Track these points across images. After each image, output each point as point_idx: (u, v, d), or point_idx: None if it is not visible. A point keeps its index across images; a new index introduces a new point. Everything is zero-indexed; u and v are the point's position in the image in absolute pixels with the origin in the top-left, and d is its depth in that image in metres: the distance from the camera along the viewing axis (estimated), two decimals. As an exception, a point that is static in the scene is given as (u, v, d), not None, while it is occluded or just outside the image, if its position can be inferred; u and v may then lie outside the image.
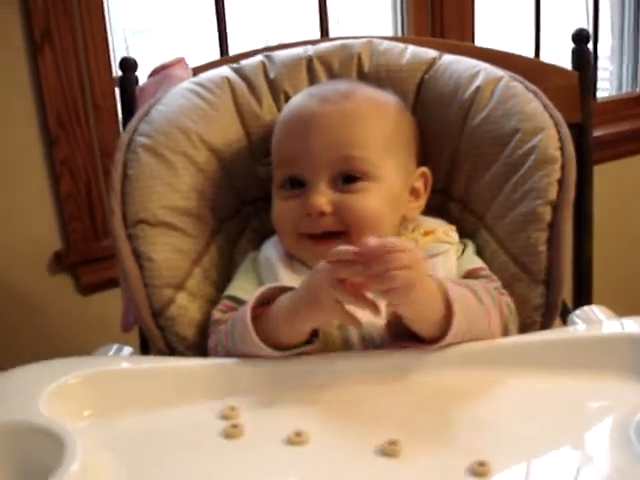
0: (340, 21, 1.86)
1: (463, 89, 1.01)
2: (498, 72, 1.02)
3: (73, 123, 1.47)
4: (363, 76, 1.06)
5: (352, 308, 0.77)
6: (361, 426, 0.74)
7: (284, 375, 0.81)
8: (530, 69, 1.12)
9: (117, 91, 1.25)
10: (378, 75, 1.05)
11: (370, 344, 0.86)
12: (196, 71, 1.11)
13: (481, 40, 1.88)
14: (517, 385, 0.80)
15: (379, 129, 0.93)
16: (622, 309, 0.99)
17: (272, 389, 0.80)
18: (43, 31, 1.40)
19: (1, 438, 0.69)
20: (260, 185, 1.03)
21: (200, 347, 0.93)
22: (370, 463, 0.68)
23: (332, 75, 1.06)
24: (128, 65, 1.14)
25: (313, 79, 1.06)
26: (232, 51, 1.63)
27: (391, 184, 0.92)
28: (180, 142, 0.97)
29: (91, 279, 1.54)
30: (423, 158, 1.00)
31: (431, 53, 1.07)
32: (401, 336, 0.82)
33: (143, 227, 0.93)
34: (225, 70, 1.06)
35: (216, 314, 0.92)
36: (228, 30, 1.62)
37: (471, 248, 0.97)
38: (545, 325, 0.94)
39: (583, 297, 1.21)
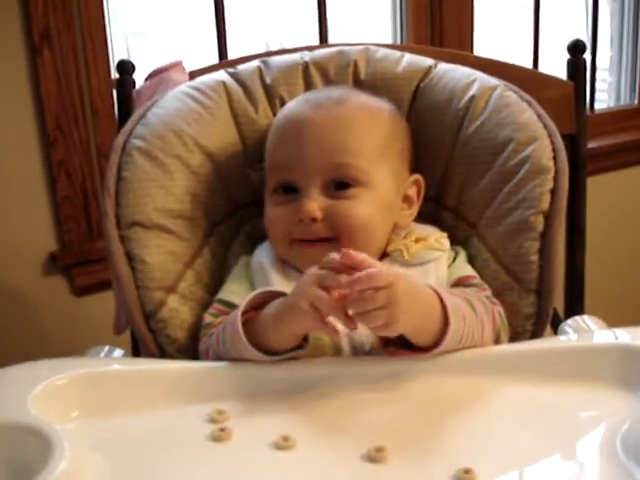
0: (340, 26, 1.87)
1: (458, 98, 1.01)
2: (493, 81, 1.03)
3: (71, 125, 1.47)
4: (359, 83, 1.06)
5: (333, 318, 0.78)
6: (349, 432, 0.74)
7: (273, 379, 0.81)
8: (526, 79, 1.12)
9: (115, 92, 1.25)
10: (374, 82, 1.06)
11: (360, 350, 0.87)
12: (193, 75, 1.11)
13: (480, 49, 1.88)
14: (507, 394, 0.80)
15: (372, 136, 0.93)
16: (614, 319, 0.99)
17: (261, 393, 0.80)
18: (42, 33, 1.40)
19: (-12, 437, 0.69)
20: (254, 189, 1.03)
21: (191, 350, 0.93)
22: (356, 469, 0.68)
23: (328, 81, 1.06)
24: (125, 68, 1.14)
25: (309, 85, 1.06)
26: (231, 54, 1.63)
27: (384, 191, 0.93)
28: (174, 145, 0.97)
29: (85, 281, 1.54)
30: (416, 165, 1.01)
31: (427, 61, 1.07)
32: (392, 343, 0.82)
33: (137, 229, 0.93)
34: (221, 74, 1.06)
35: (207, 318, 0.92)
36: (228, 33, 1.63)
37: (463, 256, 0.97)
38: (536, 334, 0.94)
39: (575, 307, 1.21)
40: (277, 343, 0.81)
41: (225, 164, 1.01)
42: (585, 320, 0.98)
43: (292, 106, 0.97)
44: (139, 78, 1.16)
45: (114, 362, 0.91)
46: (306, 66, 1.07)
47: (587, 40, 2.15)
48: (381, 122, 0.95)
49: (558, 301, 1.00)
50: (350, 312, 0.76)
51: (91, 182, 1.51)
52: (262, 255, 0.96)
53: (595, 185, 1.27)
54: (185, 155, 0.98)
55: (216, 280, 0.99)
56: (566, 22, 2.37)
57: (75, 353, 0.97)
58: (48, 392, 0.76)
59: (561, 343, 0.90)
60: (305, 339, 0.83)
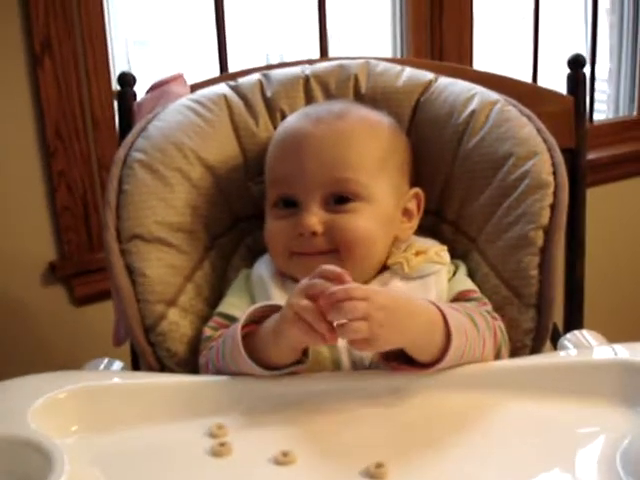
0: (341, 39, 1.88)
1: (458, 112, 1.02)
2: (493, 96, 1.03)
3: (71, 135, 1.47)
4: (360, 97, 1.06)
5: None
6: (349, 447, 0.74)
7: (273, 394, 0.81)
8: (526, 93, 1.12)
9: (116, 104, 1.26)
10: (374, 96, 1.06)
11: (360, 365, 0.87)
12: (194, 88, 1.11)
13: (479, 63, 1.89)
14: (508, 409, 0.80)
15: (372, 149, 0.93)
16: (613, 330, 0.99)
17: (260, 408, 0.80)
18: (43, 42, 1.40)
19: (-12, 451, 0.69)
20: (254, 202, 1.03)
21: (190, 363, 0.93)
22: (356, 485, 0.68)
23: (329, 95, 1.07)
24: (126, 80, 1.14)
25: (310, 98, 1.06)
26: (232, 65, 1.64)
27: (384, 205, 0.93)
28: (175, 158, 0.98)
29: (85, 291, 1.54)
30: (416, 179, 1.01)
31: (427, 75, 1.08)
32: (394, 358, 0.82)
33: (137, 243, 0.93)
34: (222, 87, 1.06)
35: (207, 331, 0.92)
36: (229, 43, 1.63)
37: (463, 270, 0.97)
38: (535, 349, 0.94)
39: (574, 321, 1.21)
40: (277, 357, 0.81)
41: (226, 177, 1.02)
42: (584, 335, 0.98)
43: (292, 120, 0.97)
44: (140, 90, 1.16)
45: (113, 376, 0.90)
46: (307, 80, 1.07)
47: (586, 52, 2.16)
48: (381, 136, 0.96)
49: (557, 313, 1.00)
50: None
51: (92, 193, 1.51)
52: (262, 268, 0.96)
53: (594, 196, 1.27)
54: (186, 168, 0.98)
55: (216, 293, 0.99)
56: (565, 34, 2.37)
57: (75, 363, 0.96)
58: (48, 406, 0.76)
59: (561, 359, 0.90)
60: (305, 354, 0.83)
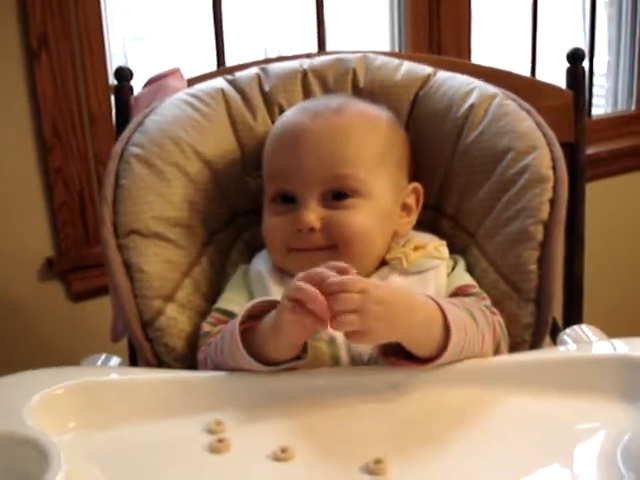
0: (339, 33, 1.87)
1: (457, 106, 1.01)
2: (492, 90, 1.02)
3: (68, 131, 1.47)
4: (358, 91, 1.06)
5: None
6: (348, 443, 0.74)
7: (271, 390, 0.81)
8: (525, 87, 1.12)
9: (113, 99, 1.25)
10: (372, 90, 1.05)
11: (359, 360, 0.86)
12: (191, 82, 1.10)
13: (477, 57, 1.88)
14: (507, 404, 0.79)
15: (371, 144, 0.93)
16: (612, 325, 0.99)
17: (259, 404, 0.80)
18: (40, 39, 1.40)
19: (-16, 449, 0.69)
20: (252, 197, 1.03)
21: (188, 359, 0.93)
22: (355, 481, 0.67)
23: (327, 89, 1.06)
24: (123, 75, 1.14)
25: (308, 93, 1.06)
26: (229, 59, 1.63)
27: (382, 200, 0.92)
28: (172, 153, 0.97)
29: (82, 286, 1.54)
30: (415, 174, 1.01)
31: (426, 69, 1.07)
32: (392, 353, 0.82)
33: (134, 238, 0.93)
34: (220, 82, 1.06)
35: (206, 327, 0.92)
36: (226, 38, 1.62)
37: (462, 265, 0.97)
38: (535, 344, 0.93)
39: (573, 315, 1.21)
40: (276, 353, 0.81)
41: (223, 172, 1.01)
42: (584, 330, 0.98)
43: (290, 115, 0.97)
44: (137, 85, 1.16)
45: (111, 372, 0.90)
46: (305, 74, 1.07)
47: (584, 46, 2.16)
48: (380, 130, 0.95)
49: (557, 308, 1.00)
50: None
51: (88, 188, 1.51)
52: (260, 264, 0.96)
53: (593, 191, 1.26)
54: (183, 163, 0.98)
55: (214, 289, 0.98)
56: (563, 28, 2.37)
57: (72, 358, 0.96)
58: (45, 402, 0.76)
59: (560, 354, 0.90)
60: (304, 349, 0.82)
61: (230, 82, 1.06)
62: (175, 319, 0.93)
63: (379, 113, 0.98)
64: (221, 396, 0.80)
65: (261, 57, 1.23)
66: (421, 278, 0.91)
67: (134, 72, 1.16)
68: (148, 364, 0.94)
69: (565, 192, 0.94)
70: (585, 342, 0.95)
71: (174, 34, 1.96)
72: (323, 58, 1.10)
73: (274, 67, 1.08)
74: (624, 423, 0.74)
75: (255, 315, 0.84)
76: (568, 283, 1.22)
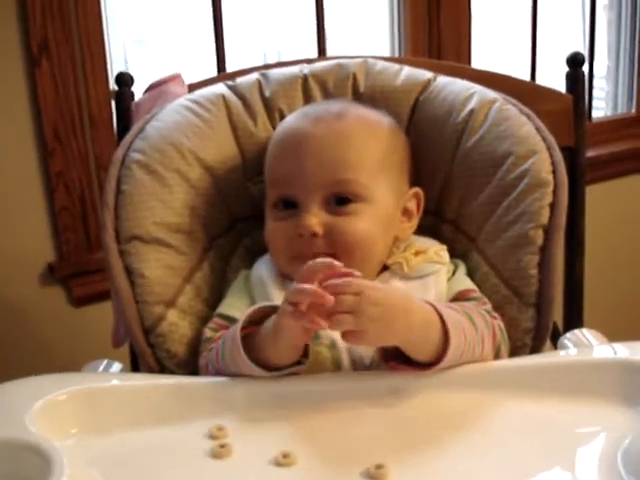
0: (339, 37, 1.87)
1: (457, 111, 1.02)
2: (492, 94, 1.03)
3: (69, 135, 1.47)
4: (358, 96, 1.06)
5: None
6: (349, 449, 0.74)
7: (273, 395, 0.81)
8: (525, 91, 1.12)
9: (113, 103, 1.25)
10: (373, 95, 1.06)
11: (360, 364, 0.87)
12: (192, 87, 1.11)
13: (477, 61, 1.89)
14: (508, 409, 0.80)
15: (372, 150, 0.93)
16: (612, 327, 0.99)
17: (261, 409, 0.80)
18: (41, 44, 1.40)
19: (-13, 454, 0.69)
20: (253, 202, 1.03)
21: (190, 364, 0.93)
22: (356, 487, 0.68)
23: (327, 94, 1.07)
24: (124, 80, 1.14)
25: (308, 98, 1.06)
26: (230, 62, 1.63)
27: (383, 205, 0.93)
28: (174, 159, 0.97)
29: (83, 291, 1.54)
30: (416, 178, 1.01)
31: (426, 74, 1.08)
32: (392, 358, 0.82)
33: (136, 244, 0.93)
34: (221, 87, 1.06)
35: (207, 332, 0.92)
36: (226, 42, 1.62)
37: (462, 269, 0.97)
38: (535, 348, 0.94)
39: (574, 319, 1.21)
40: (277, 358, 0.81)
41: (224, 177, 1.01)
42: (584, 334, 0.98)
43: (291, 120, 0.97)
44: (138, 90, 1.16)
45: (113, 378, 0.90)
46: (305, 79, 1.07)
47: (584, 49, 2.16)
48: (380, 135, 0.95)
49: (557, 312, 1.00)
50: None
51: (89, 193, 1.51)
52: (262, 269, 0.96)
53: (593, 194, 1.26)
54: (184, 169, 0.98)
55: (216, 294, 0.98)
56: (563, 31, 2.37)
57: (74, 363, 0.96)
58: (47, 408, 0.76)
59: (561, 358, 0.90)
60: (305, 354, 0.83)
61: (231, 88, 1.06)
62: (176, 324, 0.94)
63: (380, 118, 0.98)
64: (223, 402, 0.81)
65: (261, 62, 1.23)
66: (422, 283, 0.92)
67: (135, 77, 1.16)
68: (150, 370, 0.94)
69: (565, 196, 0.94)
70: (586, 346, 0.95)
71: (174, 37, 1.97)
72: (323, 63, 1.10)
73: (274, 72, 1.08)
74: (625, 427, 0.75)
75: (256, 320, 0.84)
76: (568, 287, 1.22)
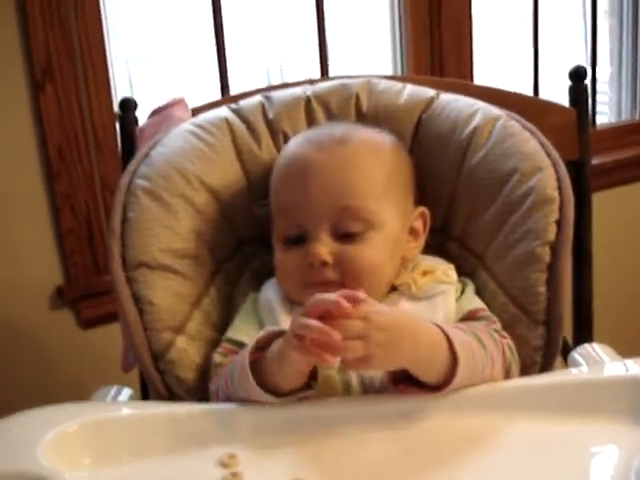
0: (341, 53, 1.88)
1: (461, 128, 1.01)
2: (496, 111, 1.02)
3: (74, 157, 1.48)
4: (361, 116, 1.06)
5: None
6: (360, 474, 0.74)
7: (283, 421, 0.81)
8: (528, 107, 1.12)
9: (118, 125, 1.26)
10: (376, 115, 1.06)
11: (370, 386, 0.86)
12: (195, 111, 1.11)
13: (480, 75, 1.88)
14: (519, 429, 0.79)
15: (376, 173, 0.93)
16: (623, 344, 0.99)
17: (271, 436, 0.80)
18: (44, 69, 1.41)
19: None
20: (258, 224, 1.03)
21: (200, 390, 0.93)
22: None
23: (330, 115, 1.06)
24: (128, 105, 1.14)
25: (311, 119, 1.06)
26: (232, 77, 1.63)
27: (391, 229, 0.92)
28: (179, 184, 0.98)
29: (92, 313, 1.54)
30: (421, 197, 1.01)
31: (429, 92, 1.07)
32: (401, 380, 0.82)
33: (143, 271, 0.93)
34: (224, 111, 1.06)
35: (217, 357, 0.91)
36: (228, 56, 1.62)
37: (471, 288, 0.96)
38: (545, 365, 0.93)
39: (583, 332, 1.21)
40: (284, 383, 0.81)
41: (229, 201, 1.01)
42: (595, 348, 0.98)
43: (295, 146, 0.97)
44: (142, 114, 1.16)
45: (123, 407, 0.90)
46: (308, 100, 1.07)
47: (586, 56, 2.16)
48: (384, 158, 0.95)
49: (566, 327, 1.00)
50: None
51: (95, 215, 1.51)
52: (270, 292, 0.96)
53: (598, 202, 1.26)
54: (190, 194, 0.98)
55: (224, 318, 0.98)
56: (565, 38, 2.37)
57: (83, 386, 0.96)
58: (58, 440, 0.76)
59: (572, 376, 0.90)
60: (314, 378, 0.82)
61: (234, 111, 1.06)
62: (186, 350, 0.94)
63: (382, 139, 0.98)
64: (233, 429, 0.81)
65: (263, 77, 1.23)
66: (430, 304, 0.91)
67: (138, 95, 1.17)
68: (159, 396, 0.93)
69: (571, 212, 0.94)
70: (597, 362, 0.94)
71: (176, 52, 1.97)
72: (326, 84, 1.10)
73: (277, 95, 1.08)
74: (638, 444, 0.74)
75: (264, 345, 0.84)
76: (577, 300, 1.21)
